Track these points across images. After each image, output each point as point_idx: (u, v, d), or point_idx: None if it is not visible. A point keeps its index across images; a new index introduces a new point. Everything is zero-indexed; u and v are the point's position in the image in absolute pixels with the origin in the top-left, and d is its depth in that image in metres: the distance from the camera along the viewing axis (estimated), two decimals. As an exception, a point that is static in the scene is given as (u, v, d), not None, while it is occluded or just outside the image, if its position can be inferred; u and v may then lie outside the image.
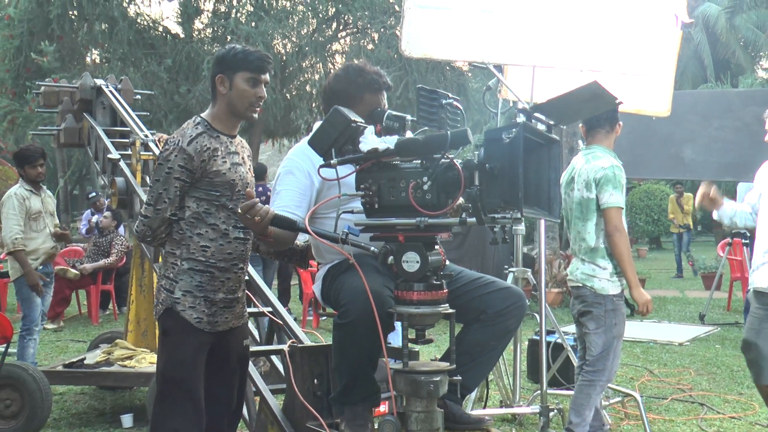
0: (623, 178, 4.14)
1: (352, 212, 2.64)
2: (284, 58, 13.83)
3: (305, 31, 13.94)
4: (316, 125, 2.68)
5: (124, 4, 13.19)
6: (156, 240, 3.09)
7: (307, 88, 14.61)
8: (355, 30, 14.41)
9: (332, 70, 14.78)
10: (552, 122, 2.66)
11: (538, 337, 5.10)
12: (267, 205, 2.73)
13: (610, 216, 4.08)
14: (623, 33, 4.73)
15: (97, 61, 13.46)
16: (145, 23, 13.75)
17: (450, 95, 2.64)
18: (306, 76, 14.66)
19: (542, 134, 2.55)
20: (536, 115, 2.66)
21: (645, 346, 7.86)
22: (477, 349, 2.92)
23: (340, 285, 2.78)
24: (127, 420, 5.08)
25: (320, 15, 13.95)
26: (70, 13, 12.77)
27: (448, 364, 2.61)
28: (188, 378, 3.01)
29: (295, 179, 2.97)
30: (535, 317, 5.40)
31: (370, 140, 2.57)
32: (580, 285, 4.18)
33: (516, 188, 2.30)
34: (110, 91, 5.78)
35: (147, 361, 5.06)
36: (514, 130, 2.34)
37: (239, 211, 2.69)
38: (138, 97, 6.43)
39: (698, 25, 24.70)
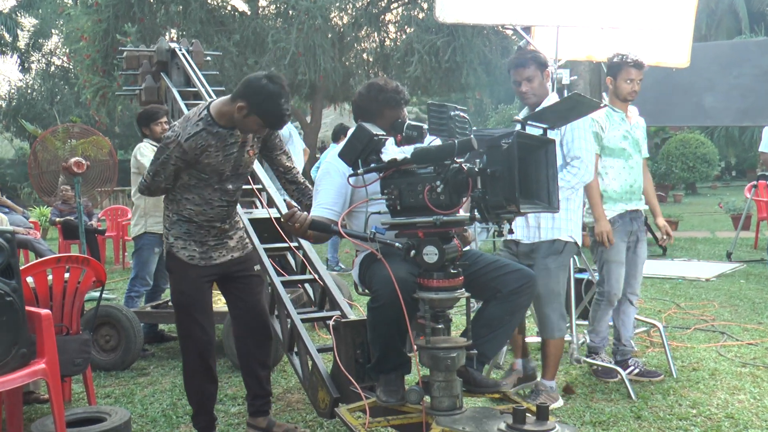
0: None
1: (379, 213, 2.78)
2: (341, 29, 13.81)
3: (360, 3, 13.87)
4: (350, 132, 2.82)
5: (197, -13, 13.31)
6: (153, 195, 3.44)
7: (364, 56, 14.60)
8: (406, 1, 14.27)
9: (386, 39, 14.73)
10: (545, 127, 2.75)
11: (568, 275, 5.10)
12: (305, 213, 2.87)
13: None
14: (641, -10, 4.63)
15: (174, 39, 13.64)
16: (215, 3, 13.87)
17: (457, 107, 2.72)
18: (362, 45, 14.63)
19: (537, 138, 2.63)
20: (530, 123, 2.76)
21: (674, 282, 7.76)
22: (494, 322, 3.03)
23: (372, 273, 2.91)
24: (207, 352, 5.26)
25: (373, -12, 13.86)
26: (149, -3, 12.99)
27: (466, 339, 2.74)
28: (190, 303, 3.35)
29: (332, 179, 3.10)
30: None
31: (390, 150, 2.70)
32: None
33: (513, 188, 2.39)
34: (182, 54, 5.85)
35: (221, 302, 5.22)
36: (511, 137, 2.42)
37: (282, 219, 2.88)
38: (208, 58, 6.44)
39: (733, -20, 23.67)
